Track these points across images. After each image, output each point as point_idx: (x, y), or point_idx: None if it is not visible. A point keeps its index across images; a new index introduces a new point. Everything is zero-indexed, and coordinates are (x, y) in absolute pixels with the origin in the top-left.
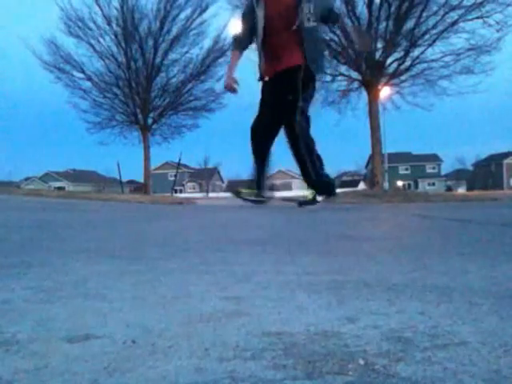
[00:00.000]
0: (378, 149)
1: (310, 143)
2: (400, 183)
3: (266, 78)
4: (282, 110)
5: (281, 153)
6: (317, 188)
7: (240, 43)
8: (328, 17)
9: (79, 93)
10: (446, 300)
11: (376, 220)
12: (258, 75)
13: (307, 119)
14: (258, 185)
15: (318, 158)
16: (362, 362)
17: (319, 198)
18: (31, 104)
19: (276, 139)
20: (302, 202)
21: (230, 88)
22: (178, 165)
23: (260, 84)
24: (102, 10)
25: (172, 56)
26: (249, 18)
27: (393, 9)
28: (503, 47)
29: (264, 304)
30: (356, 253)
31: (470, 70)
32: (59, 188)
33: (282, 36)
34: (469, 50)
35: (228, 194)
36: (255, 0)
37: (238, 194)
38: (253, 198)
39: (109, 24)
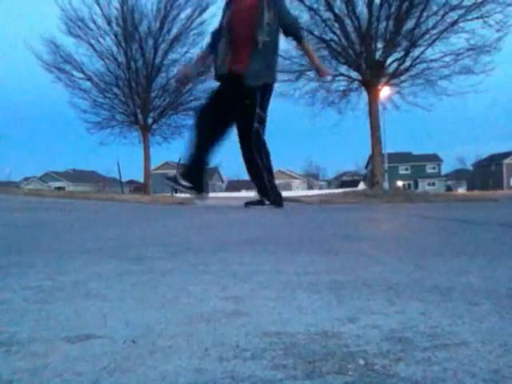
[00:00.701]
0: (378, 149)
1: (266, 152)
2: (400, 183)
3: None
4: (239, 112)
5: (281, 153)
6: (269, 196)
7: (214, 41)
8: (288, 31)
9: (79, 93)
10: (446, 300)
11: (376, 220)
12: (221, 70)
13: (263, 130)
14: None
15: (271, 169)
16: (362, 362)
17: (267, 202)
18: (31, 104)
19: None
20: (249, 202)
21: (180, 79)
22: (178, 165)
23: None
24: (102, 9)
25: (172, 56)
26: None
27: (393, 9)
28: (503, 47)
29: (264, 304)
30: (356, 253)
31: (470, 70)
32: (59, 188)
33: (243, 38)
34: (469, 49)
35: (228, 194)
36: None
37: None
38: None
39: (109, 24)
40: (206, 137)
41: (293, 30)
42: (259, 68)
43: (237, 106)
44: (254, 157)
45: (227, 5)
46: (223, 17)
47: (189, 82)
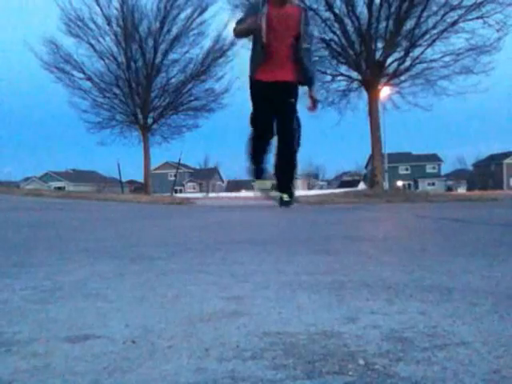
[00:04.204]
0: (378, 149)
1: (297, 145)
2: (400, 183)
3: (261, 79)
4: (285, 109)
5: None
6: (286, 190)
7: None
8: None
9: (79, 93)
10: (446, 300)
11: (376, 220)
12: (251, 72)
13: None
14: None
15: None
16: (362, 361)
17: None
18: (31, 104)
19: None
20: (283, 203)
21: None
22: (178, 165)
23: (251, 80)
24: (102, 9)
25: (172, 56)
26: (252, 15)
27: (393, 9)
28: (503, 47)
29: (264, 304)
30: (356, 253)
31: (469, 70)
32: (59, 188)
33: (282, 45)
34: (469, 50)
35: (229, 194)
36: (260, 3)
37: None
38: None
39: (109, 24)
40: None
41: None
42: (301, 70)
43: (282, 104)
44: (293, 152)
45: (260, 5)
46: (255, 16)
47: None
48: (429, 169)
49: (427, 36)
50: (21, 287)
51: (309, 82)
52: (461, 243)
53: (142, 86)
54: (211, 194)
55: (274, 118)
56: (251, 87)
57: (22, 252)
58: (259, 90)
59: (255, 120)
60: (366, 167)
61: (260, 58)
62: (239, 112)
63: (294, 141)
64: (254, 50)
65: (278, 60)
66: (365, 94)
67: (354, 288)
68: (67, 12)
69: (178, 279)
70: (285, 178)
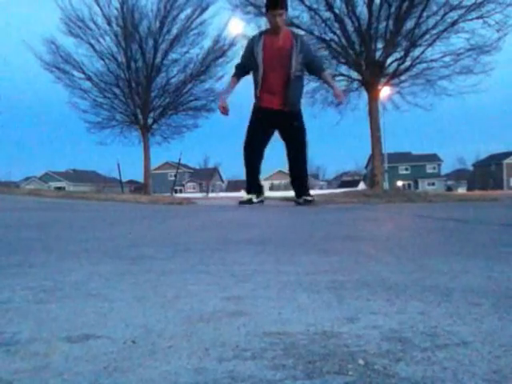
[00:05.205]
0: (378, 149)
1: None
2: (400, 183)
3: (261, 104)
4: (292, 133)
5: (280, 153)
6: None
7: (240, 71)
8: (312, 68)
9: (79, 93)
10: (446, 300)
11: (376, 220)
12: (255, 98)
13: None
14: (254, 190)
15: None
16: (361, 362)
17: (305, 199)
18: (31, 104)
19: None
20: (301, 202)
21: (223, 110)
22: (178, 165)
23: (254, 106)
24: (101, 9)
25: (172, 56)
26: (249, 53)
27: (393, 9)
28: (503, 47)
29: (264, 304)
30: (356, 253)
31: (470, 70)
32: (59, 188)
33: (277, 74)
34: (469, 50)
35: (228, 194)
36: (256, 39)
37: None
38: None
39: (109, 24)
40: (258, 162)
41: (315, 65)
42: (296, 96)
43: (286, 128)
44: (305, 167)
45: (255, 42)
46: (253, 52)
47: (227, 110)
48: (429, 169)
49: (427, 36)
50: (21, 287)
51: (293, 109)
52: (461, 243)
53: (141, 86)
54: (211, 194)
55: (264, 143)
56: (253, 111)
57: (22, 252)
58: (259, 115)
59: (247, 143)
60: (366, 167)
61: (259, 86)
62: (239, 112)
63: (305, 162)
64: (253, 78)
65: (275, 88)
66: (365, 94)
67: (353, 288)
68: (67, 12)
69: (178, 279)
70: (302, 186)
